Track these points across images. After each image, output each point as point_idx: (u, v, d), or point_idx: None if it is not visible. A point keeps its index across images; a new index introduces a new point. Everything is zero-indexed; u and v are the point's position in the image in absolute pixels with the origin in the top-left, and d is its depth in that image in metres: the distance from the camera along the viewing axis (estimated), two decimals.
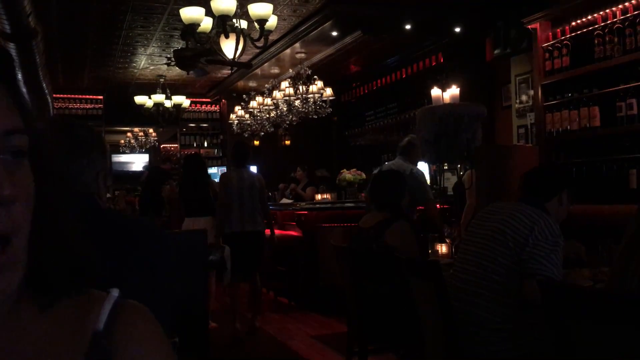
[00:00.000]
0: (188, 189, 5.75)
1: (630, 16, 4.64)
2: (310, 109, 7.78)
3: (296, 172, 8.79)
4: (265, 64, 8.62)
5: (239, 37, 4.70)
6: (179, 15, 4.93)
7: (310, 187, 8.06)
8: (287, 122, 8.48)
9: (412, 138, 4.95)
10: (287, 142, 11.43)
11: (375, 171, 4.99)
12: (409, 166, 4.86)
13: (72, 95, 10.98)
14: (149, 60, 8.75)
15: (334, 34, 7.08)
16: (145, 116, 9.50)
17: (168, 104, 9.33)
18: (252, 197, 5.19)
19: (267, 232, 5.52)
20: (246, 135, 9.82)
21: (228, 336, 5.04)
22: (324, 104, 7.83)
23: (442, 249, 3.58)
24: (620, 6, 4.76)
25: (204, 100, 11.74)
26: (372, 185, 3.82)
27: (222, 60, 4.92)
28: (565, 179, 2.67)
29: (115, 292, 0.74)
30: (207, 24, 4.87)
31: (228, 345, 4.90)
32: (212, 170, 10.43)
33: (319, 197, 7.31)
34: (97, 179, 1.46)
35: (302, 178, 8.56)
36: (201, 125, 12.04)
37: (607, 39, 4.79)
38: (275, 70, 9.05)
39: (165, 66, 8.91)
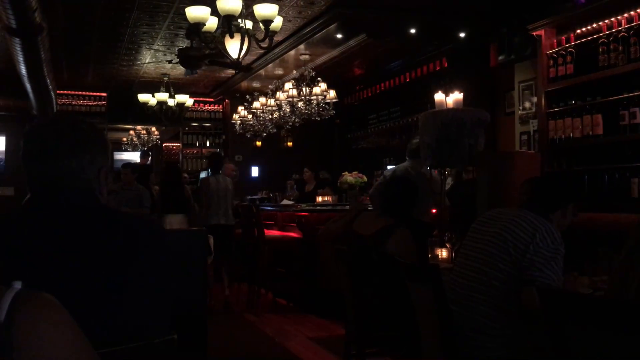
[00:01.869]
0: (167, 191, 6.82)
1: (635, 25, 4.64)
2: (313, 110, 7.78)
3: (304, 174, 8.76)
4: (269, 65, 8.62)
5: (244, 37, 4.70)
6: (184, 14, 4.93)
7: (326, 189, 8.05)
8: (290, 123, 8.48)
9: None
10: (290, 144, 11.43)
11: (386, 173, 4.93)
12: (415, 169, 4.84)
13: (76, 92, 10.98)
14: (154, 58, 8.77)
15: (339, 36, 7.09)
16: (148, 114, 9.50)
17: (171, 102, 9.34)
18: (226, 198, 6.55)
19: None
20: (248, 136, 9.82)
21: (226, 334, 5.04)
22: (327, 106, 7.83)
23: (442, 253, 3.58)
24: (625, 15, 4.76)
25: (207, 99, 11.74)
26: (384, 189, 3.77)
27: (224, 62, 4.93)
28: (573, 193, 2.65)
29: (17, 285, 0.75)
30: (212, 23, 4.87)
31: (226, 344, 4.89)
32: None
33: (319, 199, 7.31)
34: (98, 176, 1.46)
35: (310, 179, 8.56)
36: (204, 124, 12.03)
37: (611, 47, 4.79)
38: (279, 72, 9.06)
39: (169, 64, 8.92)
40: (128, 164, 7.49)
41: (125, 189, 6.72)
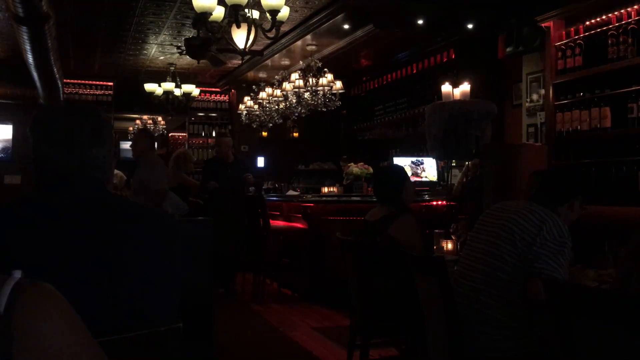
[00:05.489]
0: None
1: None
2: (319, 101, 7.76)
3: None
4: (276, 55, 8.59)
5: (251, 27, 4.69)
6: (191, 3, 4.91)
7: None
8: (296, 114, 8.46)
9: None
10: (295, 134, 11.42)
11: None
12: None
13: (83, 81, 10.98)
14: (160, 47, 8.76)
15: (346, 27, 7.05)
16: (154, 104, 9.50)
17: (178, 92, 9.32)
18: None
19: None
20: (254, 126, 9.81)
21: (232, 324, 5.07)
22: (333, 97, 7.80)
23: (448, 245, 3.58)
24: (635, 6, 4.71)
25: (213, 89, 11.73)
26: (374, 181, 3.83)
27: (233, 49, 4.93)
28: (581, 186, 2.64)
29: (17, 274, 0.74)
30: (219, 13, 4.85)
31: (231, 333, 4.92)
32: None
33: (325, 190, 7.30)
34: (111, 166, 1.46)
35: None
36: (210, 114, 12.01)
37: (620, 39, 4.75)
38: (286, 62, 9.03)
39: (176, 54, 8.91)
40: None
41: None
